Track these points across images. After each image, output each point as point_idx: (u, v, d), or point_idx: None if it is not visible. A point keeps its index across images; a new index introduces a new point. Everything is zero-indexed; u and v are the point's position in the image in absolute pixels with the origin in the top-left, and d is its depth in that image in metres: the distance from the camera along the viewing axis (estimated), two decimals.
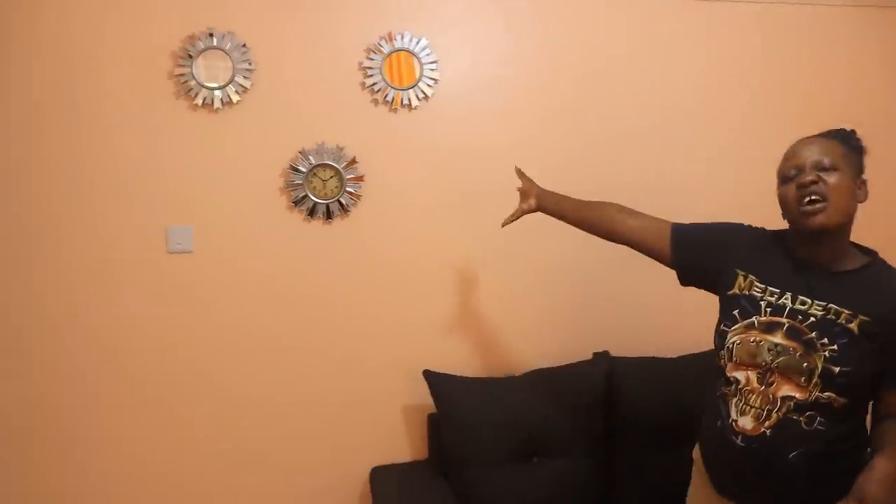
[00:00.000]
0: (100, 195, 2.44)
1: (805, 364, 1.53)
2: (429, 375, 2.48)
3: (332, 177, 2.53)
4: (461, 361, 2.65)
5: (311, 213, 2.54)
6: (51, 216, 2.42)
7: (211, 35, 2.43)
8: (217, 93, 2.45)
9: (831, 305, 1.54)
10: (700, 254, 1.80)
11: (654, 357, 2.59)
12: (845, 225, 1.59)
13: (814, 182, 1.55)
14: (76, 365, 2.47)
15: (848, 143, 1.60)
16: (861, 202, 1.59)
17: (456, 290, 2.66)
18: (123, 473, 2.52)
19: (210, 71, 2.45)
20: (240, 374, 2.56)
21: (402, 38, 2.53)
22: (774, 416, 1.56)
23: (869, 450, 1.57)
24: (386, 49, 2.52)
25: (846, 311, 1.53)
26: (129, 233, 2.46)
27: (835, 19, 2.86)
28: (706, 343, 2.59)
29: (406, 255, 2.62)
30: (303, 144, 2.51)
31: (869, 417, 1.62)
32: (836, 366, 1.50)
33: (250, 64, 2.46)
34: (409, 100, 2.55)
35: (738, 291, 1.67)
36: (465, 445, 2.37)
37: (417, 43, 2.54)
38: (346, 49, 2.53)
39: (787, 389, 1.54)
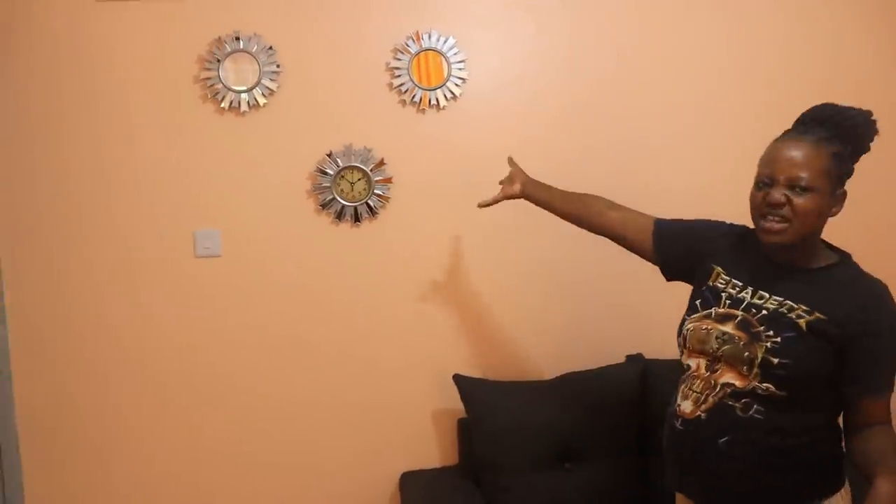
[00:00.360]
0: (127, 199, 2.44)
1: (746, 353, 1.52)
2: (459, 380, 2.45)
3: (359, 179, 2.50)
4: (492, 365, 2.61)
5: (339, 215, 2.51)
6: (79, 220, 2.42)
7: (237, 38, 2.41)
8: (244, 96, 2.43)
9: (787, 301, 1.54)
10: (680, 248, 1.82)
11: None
12: (809, 236, 1.55)
13: (781, 205, 1.50)
14: (103, 368, 2.47)
15: (843, 143, 1.51)
16: (833, 216, 1.55)
17: (486, 293, 2.62)
18: (148, 475, 2.52)
19: (237, 74, 2.43)
20: (268, 377, 2.55)
21: (430, 37, 2.50)
22: (711, 400, 1.56)
23: (856, 466, 1.54)
24: (413, 49, 2.49)
25: (802, 307, 1.51)
26: (157, 237, 2.46)
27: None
28: None
29: (435, 257, 2.59)
30: (330, 147, 2.48)
31: (840, 422, 1.60)
32: (776, 357, 1.49)
33: (277, 66, 2.44)
34: (437, 100, 2.51)
35: (709, 283, 1.69)
36: (497, 451, 2.34)
37: (445, 42, 2.50)
38: (373, 49, 2.50)
39: (728, 377, 1.54)
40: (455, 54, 2.51)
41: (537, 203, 2.12)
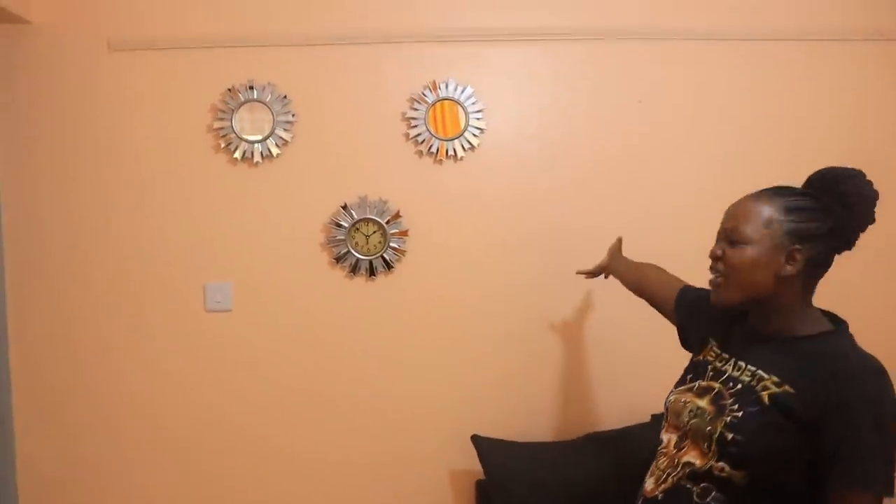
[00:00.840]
0: (138, 250, 2.40)
1: (709, 428, 1.38)
2: (477, 440, 2.36)
3: (375, 232, 2.44)
4: (511, 424, 2.51)
5: (354, 269, 2.44)
6: (89, 270, 2.39)
7: (251, 87, 2.36)
8: (257, 146, 2.37)
9: (759, 371, 1.38)
10: (692, 316, 1.73)
11: None
12: (771, 297, 1.41)
13: (717, 258, 1.45)
14: (111, 421, 2.43)
15: (795, 199, 1.40)
16: (790, 274, 1.38)
17: (505, 349, 2.53)
18: None
19: (251, 124, 2.38)
20: (279, 431, 2.47)
21: (447, 86, 2.44)
22: (670, 480, 1.43)
23: None
24: (430, 98, 2.43)
25: (773, 379, 1.35)
26: (167, 289, 2.41)
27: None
28: None
29: (453, 311, 2.50)
30: (345, 198, 2.42)
31: None
32: (731, 432, 1.34)
33: (291, 116, 2.39)
34: (455, 150, 2.45)
35: (700, 357, 1.59)
36: None
37: (462, 91, 2.45)
38: (388, 99, 2.44)
39: (691, 455, 1.40)
40: (473, 104, 2.45)
41: (617, 276, 2.19)
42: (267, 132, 2.37)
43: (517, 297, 2.52)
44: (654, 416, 2.47)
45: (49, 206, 2.36)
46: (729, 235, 1.43)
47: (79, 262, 2.37)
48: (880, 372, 1.32)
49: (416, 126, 2.44)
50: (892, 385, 1.31)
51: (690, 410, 1.44)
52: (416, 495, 2.52)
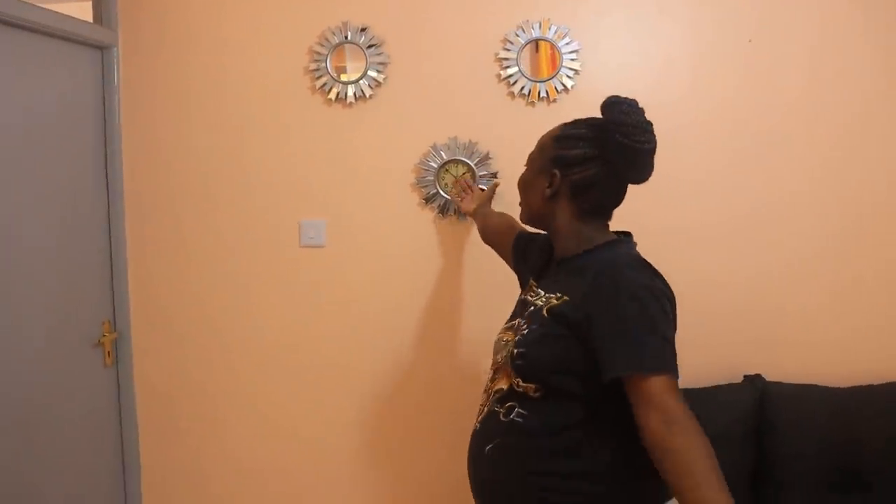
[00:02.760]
0: (238, 186, 2.53)
1: (506, 352, 1.46)
2: None
3: (464, 173, 2.43)
4: None
5: (443, 210, 2.45)
6: (199, 201, 2.56)
7: (346, 30, 2.40)
8: (350, 87, 2.42)
9: (548, 294, 1.45)
10: (525, 258, 1.81)
11: (817, 385, 2.27)
12: (545, 218, 1.54)
13: None
14: (217, 344, 2.60)
15: (567, 128, 1.52)
16: (547, 196, 1.50)
17: None
18: (247, 459, 2.62)
19: (346, 65, 2.44)
20: (367, 364, 2.56)
21: (541, 27, 2.36)
22: (485, 409, 1.50)
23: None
24: (523, 39, 2.36)
25: (556, 295, 1.42)
26: (264, 225, 2.53)
27: None
28: (887, 373, 2.30)
29: None
30: (435, 139, 2.43)
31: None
32: (516, 348, 1.42)
33: (384, 58, 2.41)
34: (548, 92, 2.38)
35: (522, 296, 1.64)
36: None
37: (557, 32, 2.36)
38: (481, 40, 2.40)
39: (500, 383, 1.48)
40: (567, 44, 2.35)
41: (476, 221, 2.29)
42: (359, 74, 2.41)
43: None
44: (746, 377, 2.34)
45: (165, 139, 2.54)
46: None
47: (190, 192, 2.55)
48: (643, 264, 1.40)
49: (507, 67, 2.38)
50: (658, 276, 1.38)
51: (500, 346, 1.51)
52: None
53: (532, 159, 1.59)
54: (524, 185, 1.60)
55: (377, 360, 2.55)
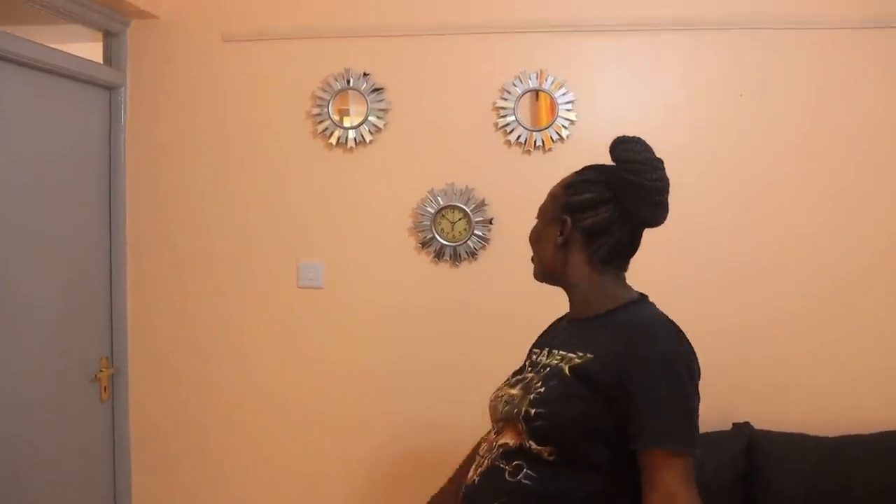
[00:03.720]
0: (239, 226, 2.59)
1: (516, 410, 1.35)
2: None
3: (460, 219, 2.48)
4: None
5: (439, 255, 2.50)
6: (200, 241, 2.61)
7: (348, 77, 2.47)
8: (351, 132, 2.48)
9: (567, 353, 1.37)
10: None
11: (805, 434, 2.30)
12: (559, 271, 1.46)
13: None
14: (213, 381, 2.63)
15: (577, 176, 1.47)
16: (559, 245, 1.43)
17: None
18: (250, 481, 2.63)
19: (347, 111, 2.51)
20: (362, 405, 2.57)
21: (539, 77, 2.44)
22: (486, 462, 1.39)
23: None
24: (520, 89, 2.44)
25: (576, 354, 1.35)
26: (263, 264, 2.57)
27: None
28: (876, 422, 2.33)
29: (536, 305, 2.49)
30: (432, 185, 2.48)
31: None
32: (534, 407, 1.31)
33: (385, 104, 2.48)
34: (544, 141, 2.45)
35: (522, 365, 1.57)
36: None
37: (554, 82, 2.43)
38: (479, 89, 2.48)
39: (506, 437, 1.37)
40: (563, 95, 2.43)
41: None
42: (361, 119, 2.48)
43: None
44: (735, 425, 2.37)
45: (167, 179, 2.60)
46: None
47: (190, 232, 2.60)
48: (673, 329, 1.34)
49: (505, 116, 2.46)
50: (686, 341, 1.33)
51: (505, 401, 1.42)
52: None
53: (543, 210, 1.51)
54: (535, 237, 1.52)
55: (371, 402, 2.57)
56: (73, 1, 2.30)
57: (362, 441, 2.58)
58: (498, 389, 1.52)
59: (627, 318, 1.37)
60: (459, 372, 2.53)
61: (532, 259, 1.53)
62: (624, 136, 1.40)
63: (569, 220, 1.41)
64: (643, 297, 1.45)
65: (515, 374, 1.54)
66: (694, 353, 1.33)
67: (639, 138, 1.39)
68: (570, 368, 1.33)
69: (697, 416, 1.27)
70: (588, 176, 1.45)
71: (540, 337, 1.63)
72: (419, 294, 2.53)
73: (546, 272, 1.50)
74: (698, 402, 1.29)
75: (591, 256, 1.42)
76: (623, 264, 1.45)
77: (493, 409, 1.49)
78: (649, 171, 1.36)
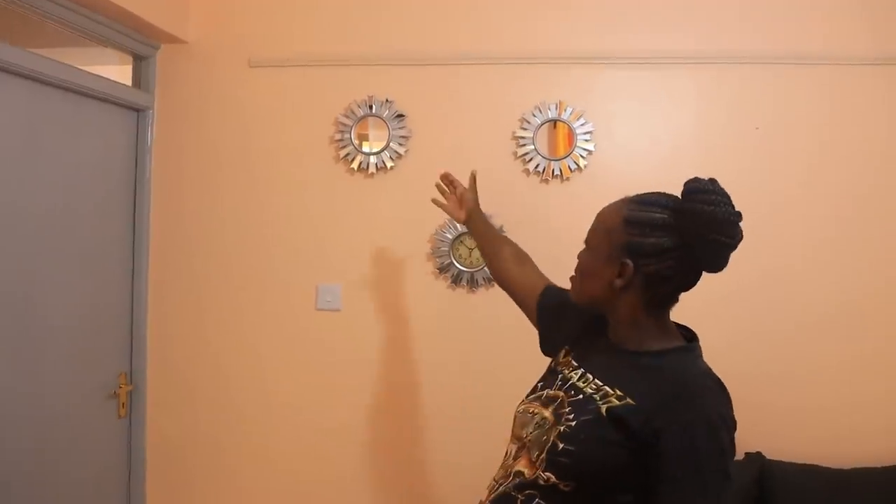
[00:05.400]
0: (261, 249, 2.62)
1: (545, 437, 1.30)
2: None
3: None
4: None
5: (456, 280, 2.54)
6: (221, 264, 2.65)
7: (370, 104, 2.53)
8: (373, 158, 2.53)
9: (604, 386, 1.29)
10: (559, 320, 1.62)
11: (818, 465, 2.32)
12: (607, 307, 1.37)
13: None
14: (233, 402, 2.66)
15: (639, 211, 1.32)
16: (617, 287, 1.32)
17: None
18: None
19: (369, 137, 2.56)
20: (379, 427, 2.60)
21: (557, 108, 2.49)
22: (500, 488, 1.34)
23: None
24: (539, 119, 2.49)
25: (616, 392, 1.26)
26: (282, 287, 2.62)
27: None
28: (887, 455, 2.35)
29: None
30: None
31: None
32: (562, 442, 1.26)
33: (407, 131, 2.53)
34: (561, 170, 2.49)
35: (553, 365, 1.51)
36: None
37: (573, 112, 2.49)
38: (500, 119, 2.53)
39: (521, 465, 1.32)
40: (582, 125, 2.48)
41: (473, 234, 2.06)
42: (383, 145, 2.53)
43: None
44: (747, 455, 2.38)
45: (191, 199, 2.66)
46: (587, 236, 1.43)
47: (212, 253, 2.64)
48: (717, 386, 1.27)
49: (524, 145, 2.51)
50: (730, 403, 1.27)
51: (536, 422, 1.36)
52: None
53: (597, 242, 1.39)
54: (588, 271, 1.40)
55: (387, 424, 2.60)
56: (106, 25, 2.36)
57: (380, 464, 2.61)
58: (528, 402, 1.46)
59: (674, 369, 1.30)
60: (475, 396, 2.56)
61: (571, 279, 1.46)
62: (699, 182, 1.30)
63: (631, 264, 1.30)
64: (691, 342, 1.38)
65: (542, 384, 1.47)
66: (731, 408, 1.27)
67: (718, 187, 1.28)
68: (607, 410, 1.25)
69: (732, 478, 1.22)
70: (654, 215, 1.30)
71: (576, 334, 1.53)
72: (436, 319, 2.57)
73: (590, 303, 1.42)
74: (734, 458, 1.25)
75: (647, 302, 1.33)
76: (674, 304, 1.37)
77: (519, 424, 1.43)
78: (730, 227, 1.26)
